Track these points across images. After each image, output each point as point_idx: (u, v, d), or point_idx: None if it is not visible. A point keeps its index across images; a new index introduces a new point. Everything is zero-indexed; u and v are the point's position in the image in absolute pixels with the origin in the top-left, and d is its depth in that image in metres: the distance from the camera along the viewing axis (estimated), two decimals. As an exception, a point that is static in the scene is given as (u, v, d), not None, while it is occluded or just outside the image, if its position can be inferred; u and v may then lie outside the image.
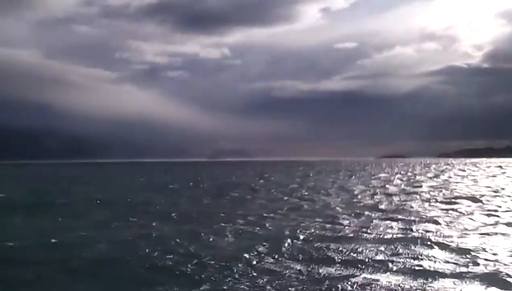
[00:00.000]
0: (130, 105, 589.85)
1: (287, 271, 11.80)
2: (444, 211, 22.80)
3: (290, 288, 10.38)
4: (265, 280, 11.02)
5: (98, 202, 29.47)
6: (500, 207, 24.21)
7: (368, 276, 11.19)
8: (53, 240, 15.85)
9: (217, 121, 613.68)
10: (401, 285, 10.44)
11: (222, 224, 19.27)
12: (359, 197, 31.47)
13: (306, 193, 35.06)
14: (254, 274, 11.54)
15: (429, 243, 14.72)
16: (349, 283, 10.62)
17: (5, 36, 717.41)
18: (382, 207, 25.09)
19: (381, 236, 16.22)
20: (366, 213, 22.52)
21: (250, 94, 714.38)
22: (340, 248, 14.18)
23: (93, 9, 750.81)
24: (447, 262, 12.41)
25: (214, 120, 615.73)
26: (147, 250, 14.24)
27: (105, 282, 11.24)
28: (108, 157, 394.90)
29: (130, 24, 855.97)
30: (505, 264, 12.08)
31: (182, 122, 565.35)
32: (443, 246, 14.19)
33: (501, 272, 11.36)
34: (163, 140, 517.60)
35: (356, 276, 11.21)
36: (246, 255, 13.34)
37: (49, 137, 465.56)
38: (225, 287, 10.56)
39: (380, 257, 13.11)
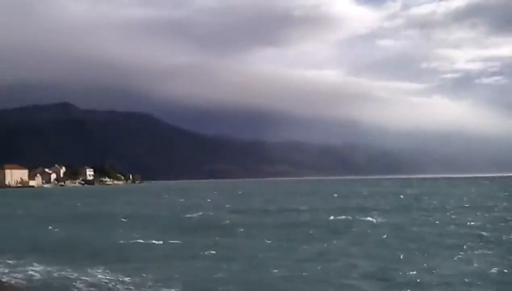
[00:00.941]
0: (441, 118, 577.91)
1: None
2: None
3: None
4: None
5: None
6: None
7: None
8: None
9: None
10: None
11: None
12: None
13: None
14: None
15: None
16: None
17: (312, 58, 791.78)
18: None
19: None
20: None
21: None
22: None
23: (397, 22, 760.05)
24: None
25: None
26: None
27: None
28: (420, 172, 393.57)
29: (436, 32, 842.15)
30: None
31: (501, 133, 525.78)
32: None
33: None
34: (480, 153, 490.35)
35: None
36: None
37: (357, 153, 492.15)
38: None
39: None
